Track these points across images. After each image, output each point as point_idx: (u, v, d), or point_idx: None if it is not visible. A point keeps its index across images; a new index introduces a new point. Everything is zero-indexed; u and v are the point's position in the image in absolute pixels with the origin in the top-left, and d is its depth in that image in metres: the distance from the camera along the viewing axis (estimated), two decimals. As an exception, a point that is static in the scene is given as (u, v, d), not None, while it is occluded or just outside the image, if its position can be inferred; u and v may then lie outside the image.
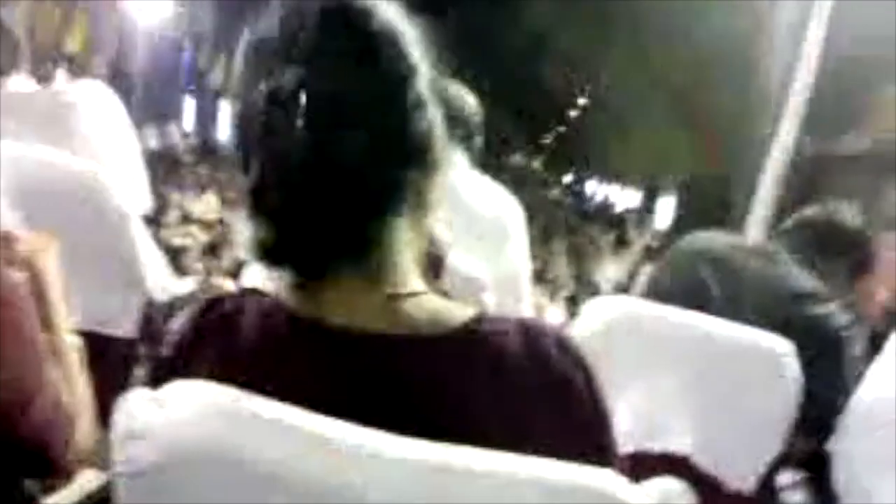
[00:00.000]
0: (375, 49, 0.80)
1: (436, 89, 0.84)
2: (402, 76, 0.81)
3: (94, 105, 1.94)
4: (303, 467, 0.72)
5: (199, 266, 7.47)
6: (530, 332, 0.82)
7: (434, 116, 0.84)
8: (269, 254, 0.80)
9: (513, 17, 20.63)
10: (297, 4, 0.81)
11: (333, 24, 0.79)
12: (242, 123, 0.81)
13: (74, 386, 1.11)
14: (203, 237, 10.29)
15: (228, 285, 6.71)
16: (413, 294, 0.83)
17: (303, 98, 0.75)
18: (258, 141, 0.77)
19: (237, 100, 0.83)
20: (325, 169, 0.76)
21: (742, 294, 1.95)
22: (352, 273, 0.81)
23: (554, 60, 22.15)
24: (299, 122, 0.75)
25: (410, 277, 0.84)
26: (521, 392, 0.79)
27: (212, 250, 7.46)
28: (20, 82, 1.92)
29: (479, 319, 0.82)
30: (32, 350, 0.93)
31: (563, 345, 0.82)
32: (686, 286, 2.03)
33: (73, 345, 1.20)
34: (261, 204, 0.78)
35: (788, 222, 2.17)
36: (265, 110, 0.76)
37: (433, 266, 0.97)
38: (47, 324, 1.20)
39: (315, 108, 0.75)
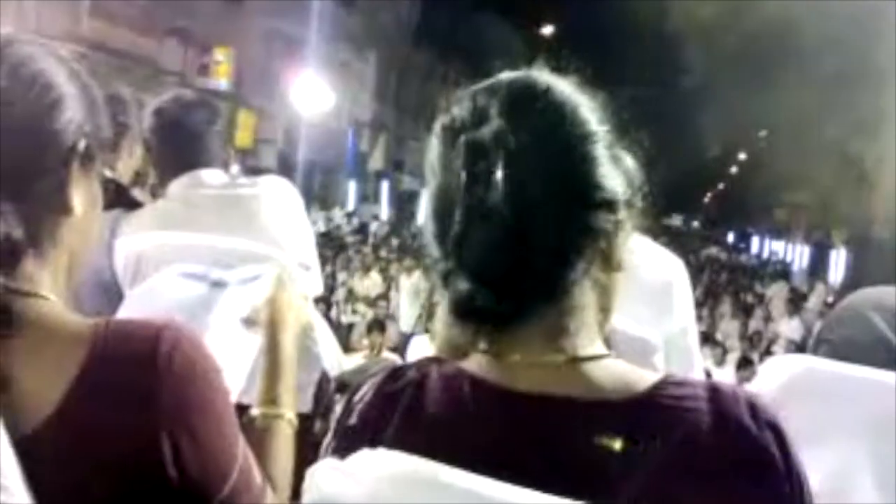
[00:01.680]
0: (558, 120, 0.83)
1: (615, 154, 0.86)
2: (584, 142, 0.83)
3: (277, 198, 2.07)
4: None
5: (366, 342, 7.68)
6: (719, 396, 0.79)
7: (618, 179, 0.86)
8: (466, 304, 0.81)
9: (671, 75, 20.49)
10: (487, 85, 0.86)
11: (523, 99, 0.83)
12: (443, 194, 0.84)
13: (275, 463, 1.16)
14: (368, 314, 10.61)
15: (394, 359, 6.86)
16: (596, 357, 0.83)
17: (502, 163, 0.78)
18: (463, 202, 0.79)
19: (436, 174, 0.86)
20: (522, 224, 0.78)
21: None
22: (538, 329, 0.81)
23: (712, 118, 21.74)
24: (500, 185, 0.78)
25: (593, 340, 0.84)
26: (713, 459, 0.76)
27: (377, 326, 7.65)
28: (213, 174, 2.08)
29: (666, 383, 0.81)
30: (230, 427, 0.98)
31: (755, 409, 0.79)
32: (859, 342, 1.92)
33: (290, 422, 1.25)
34: (463, 258, 0.80)
35: None
36: (469, 178, 0.79)
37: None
38: (271, 396, 1.27)
39: (514, 173, 0.78)
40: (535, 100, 0.84)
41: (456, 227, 0.78)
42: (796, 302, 14.46)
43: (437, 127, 0.87)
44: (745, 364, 9.13)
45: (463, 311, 0.81)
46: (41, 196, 0.92)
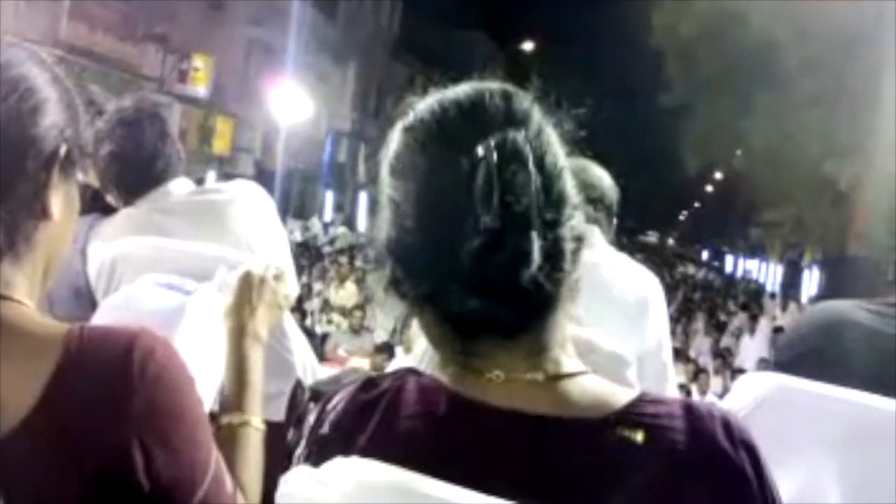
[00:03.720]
0: (543, 126, 0.82)
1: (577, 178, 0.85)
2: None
3: (249, 203, 2.06)
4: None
5: (340, 351, 7.66)
6: (694, 414, 0.80)
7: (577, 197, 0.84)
8: (477, 320, 0.80)
9: (649, 93, 20.63)
10: (473, 93, 0.84)
11: (515, 106, 0.82)
12: (436, 201, 0.80)
13: (244, 470, 1.15)
14: (343, 324, 10.58)
15: (367, 369, 6.84)
16: (573, 374, 0.82)
17: (535, 168, 0.77)
18: (492, 210, 0.75)
19: (423, 181, 0.81)
20: (550, 232, 0.77)
21: (883, 359, 1.84)
22: (520, 346, 0.81)
23: (690, 137, 21.84)
24: (534, 190, 0.76)
25: (567, 356, 0.83)
26: (687, 477, 0.77)
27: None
28: (180, 184, 2.06)
29: (641, 401, 0.81)
30: (203, 434, 0.97)
31: (730, 428, 0.79)
32: (819, 355, 1.94)
33: (257, 429, 1.24)
34: (484, 271, 0.76)
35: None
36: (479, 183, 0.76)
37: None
38: (239, 403, 1.26)
39: (543, 178, 0.77)
40: (522, 107, 0.83)
41: (481, 238, 0.75)
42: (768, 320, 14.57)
43: (408, 129, 0.84)
44: (699, 373, 9.31)
45: (471, 326, 0.80)
46: (20, 200, 0.92)
